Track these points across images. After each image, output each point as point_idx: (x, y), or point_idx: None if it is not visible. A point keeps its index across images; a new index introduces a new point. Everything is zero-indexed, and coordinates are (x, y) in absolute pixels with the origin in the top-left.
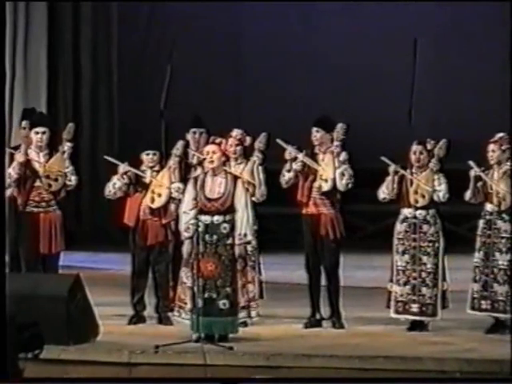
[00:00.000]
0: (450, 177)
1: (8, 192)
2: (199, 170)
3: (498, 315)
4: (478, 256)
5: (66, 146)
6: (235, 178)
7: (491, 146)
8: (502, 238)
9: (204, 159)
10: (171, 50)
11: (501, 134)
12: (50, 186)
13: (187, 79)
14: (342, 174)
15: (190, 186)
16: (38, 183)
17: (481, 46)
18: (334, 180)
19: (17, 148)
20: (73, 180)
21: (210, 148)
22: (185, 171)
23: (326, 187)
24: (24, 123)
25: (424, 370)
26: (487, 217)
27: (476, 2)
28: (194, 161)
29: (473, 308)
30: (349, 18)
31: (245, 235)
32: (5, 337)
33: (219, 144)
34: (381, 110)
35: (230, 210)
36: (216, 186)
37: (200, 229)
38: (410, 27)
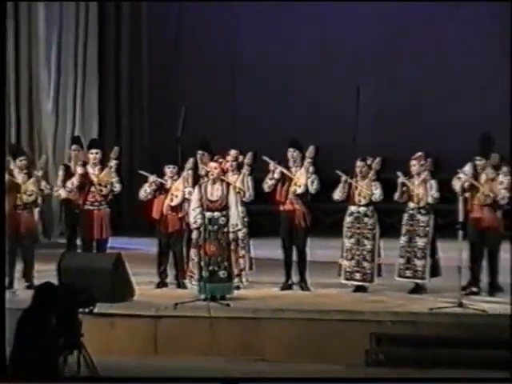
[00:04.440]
0: (386, 183)
1: (64, 194)
2: (205, 179)
3: (417, 281)
4: (403, 239)
5: (113, 163)
6: (228, 185)
7: (413, 162)
8: (420, 226)
9: (208, 171)
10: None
11: (419, 153)
12: (101, 191)
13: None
14: (313, 182)
15: (196, 191)
16: (93, 189)
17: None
18: (306, 186)
19: (68, 167)
20: (117, 187)
21: (213, 165)
22: (196, 179)
23: (299, 191)
24: (74, 147)
25: (365, 320)
26: (410, 212)
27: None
28: (203, 172)
29: (400, 276)
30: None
31: (236, 225)
32: (4, 337)
33: (220, 162)
34: (335, 135)
35: (226, 207)
36: (215, 191)
37: (205, 221)
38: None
